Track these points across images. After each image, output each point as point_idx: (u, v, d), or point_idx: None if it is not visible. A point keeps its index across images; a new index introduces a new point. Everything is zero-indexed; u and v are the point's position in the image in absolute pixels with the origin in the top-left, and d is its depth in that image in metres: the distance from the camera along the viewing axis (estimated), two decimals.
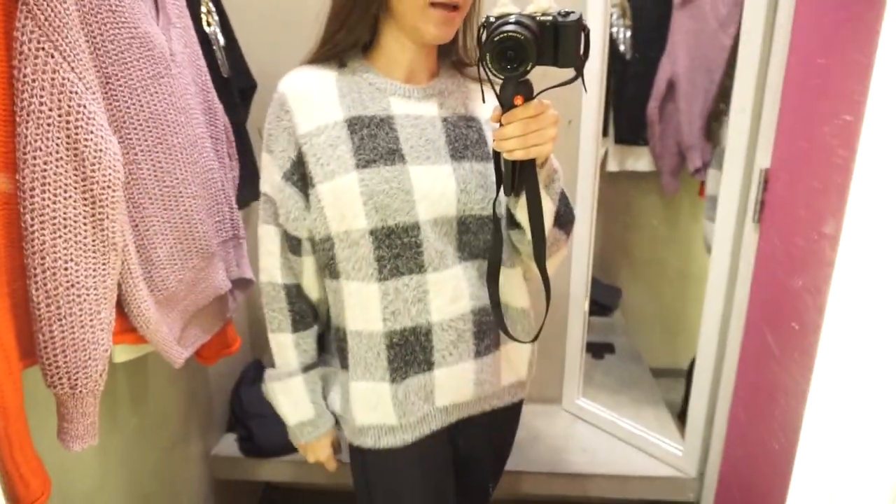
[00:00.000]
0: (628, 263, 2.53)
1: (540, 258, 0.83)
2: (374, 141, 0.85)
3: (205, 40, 1.23)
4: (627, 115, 2.24)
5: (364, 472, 0.99)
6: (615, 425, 1.69)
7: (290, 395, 0.98)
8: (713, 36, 2.09)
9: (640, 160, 2.35)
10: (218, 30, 1.29)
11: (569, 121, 1.61)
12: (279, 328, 0.97)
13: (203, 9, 1.25)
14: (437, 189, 0.86)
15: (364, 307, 0.90)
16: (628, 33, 2.21)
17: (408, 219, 0.86)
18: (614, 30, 2.13)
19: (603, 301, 2.28)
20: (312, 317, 0.98)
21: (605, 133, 2.12)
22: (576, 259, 1.69)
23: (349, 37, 0.87)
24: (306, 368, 0.99)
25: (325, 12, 0.89)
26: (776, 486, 1.13)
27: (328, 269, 0.92)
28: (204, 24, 1.24)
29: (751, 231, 1.27)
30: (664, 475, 1.55)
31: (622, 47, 2.20)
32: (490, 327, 0.94)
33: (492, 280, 0.90)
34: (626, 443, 1.66)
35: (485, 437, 1.07)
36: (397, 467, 0.97)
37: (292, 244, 0.92)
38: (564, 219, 0.91)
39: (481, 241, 0.91)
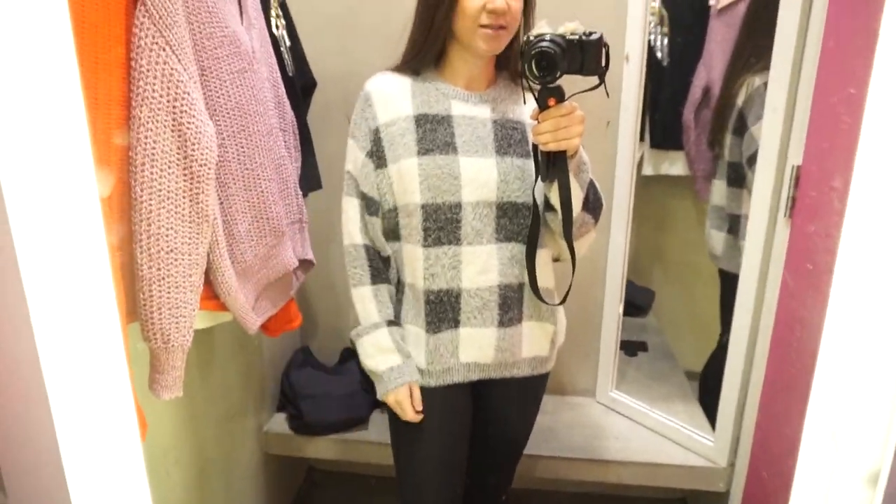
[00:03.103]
0: (661, 266, 2.58)
1: (567, 233, 1.01)
2: (434, 134, 1.07)
3: (273, 41, 1.34)
4: (663, 120, 2.30)
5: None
6: (647, 416, 1.75)
7: (378, 345, 1.12)
8: None
9: (675, 164, 2.40)
10: (284, 32, 1.41)
11: (607, 122, 1.68)
12: (360, 282, 1.14)
13: (273, 13, 1.36)
14: (481, 177, 1.06)
15: (413, 266, 1.10)
16: (665, 40, 2.27)
17: (453, 199, 1.05)
18: (651, 37, 2.20)
19: (637, 302, 2.33)
20: (386, 273, 1.16)
21: (641, 137, 2.18)
22: (611, 260, 1.76)
23: (426, 54, 1.09)
24: (389, 323, 1.13)
25: (406, 36, 1.10)
26: None
27: (392, 233, 1.13)
28: (273, 27, 1.36)
29: (783, 227, 1.32)
30: (695, 465, 1.60)
31: (659, 54, 2.27)
32: (514, 303, 1.11)
33: (530, 254, 1.08)
34: (658, 433, 1.71)
35: (505, 401, 1.22)
36: (423, 405, 1.13)
37: (371, 207, 1.12)
38: (593, 204, 1.09)
39: (516, 226, 1.09)
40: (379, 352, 1.12)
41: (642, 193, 1.74)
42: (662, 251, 2.57)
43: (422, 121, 1.07)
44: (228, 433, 1.54)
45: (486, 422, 1.24)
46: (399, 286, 1.16)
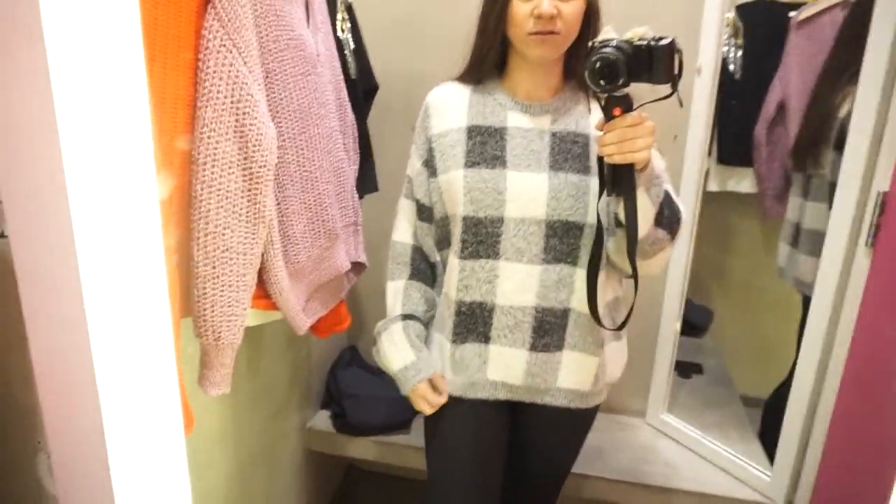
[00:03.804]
0: (722, 286, 2.47)
1: (631, 253, 0.93)
2: (484, 147, 1.04)
3: (338, 44, 1.35)
4: (732, 135, 2.21)
5: (426, 417, 1.15)
6: (699, 443, 1.67)
7: (392, 340, 1.11)
8: None
9: (742, 181, 2.30)
10: (349, 36, 1.41)
11: (674, 136, 1.62)
12: (398, 276, 1.15)
13: (339, 16, 1.37)
14: (528, 192, 1.01)
15: (450, 276, 1.08)
16: (739, 53, 2.18)
17: (495, 213, 1.02)
18: (725, 49, 2.11)
19: (694, 321, 2.24)
20: (427, 275, 1.15)
21: (708, 152, 2.10)
22: (671, 277, 1.70)
23: (485, 64, 1.06)
24: (407, 317, 1.12)
25: (471, 44, 1.07)
26: None
27: (444, 242, 1.12)
28: (338, 29, 1.37)
29: (862, 255, 1.24)
30: (749, 499, 1.52)
31: (731, 66, 2.18)
32: (555, 329, 1.05)
33: (591, 275, 1.01)
34: (710, 462, 1.64)
35: (540, 430, 1.16)
36: (452, 413, 1.11)
37: (424, 213, 1.13)
38: (668, 220, 0.98)
39: (567, 247, 1.02)
40: (392, 348, 1.10)
41: (706, 210, 1.66)
42: (723, 270, 2.47)
43: (473, 132, 1.05)
44: (273, 428, 1.56)
45: (521, 448, 1.19)
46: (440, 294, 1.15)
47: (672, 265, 1.68)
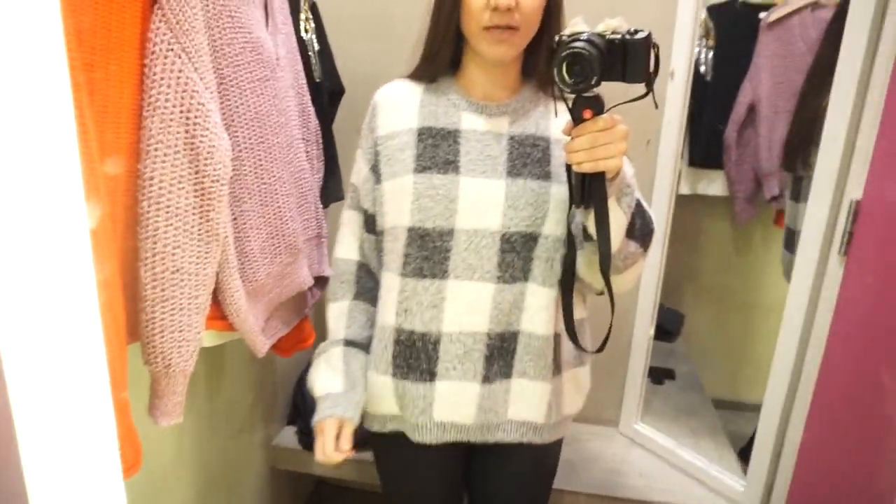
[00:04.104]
0: (693, 289, 2.47)
1: (605, 270, 0.84)
2: (436, 150, 0.93)
3: (301, 46, 1.28)
4: (704, 138, 2.20)
5: (376, 457, 1.08)
6: (673, 453, 1.65)
7: (329, 363, 0.99)
8: (801, 59, 2.03)
9: (713, 184, 2.30)
10: (314, 36, 1.35)
11: (647, 140, 1.59)
12: (342, 297, 1.03)
13: (302, 16, 1.31)
14: (483, 201, 0.91)
15: (386, 298, 0.97)
16: (710, 54, 2.17)
17: (444, 224, 0.91)
18: (695, 50, 2.10)
19: (666, 325, 2.23)
20: (374, 295, 1.03)
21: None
22: (644, 281, 1.67)
23: (437, 60, 0.96)
24: (350, 343, 1.00)
25: (423, 38, 0.98)
26: None
27: (379, 259, 1.01)
28: (302, 30, 1.30)
29: (835, 264, 1.22)
30: None
31: (703, 68, 2.17)
32: (505, 354, 0.94)
33: (565, 294, 0.93)
34: (684, 472, 1.62)
35: (497, 474, 1.05)
36: (403, 456, 1.03)
37: (372, 224, 1.01)
38: (640, 231, 0.91)
39: (525, 262, 0.92)
40: (326, 371, 0.98)
41: (676, 213, 1.64)
42: (694, 273, 2.47)
43: (424, 135, 0.94)
44: (235, 447, 1.49)
45: (479, 498, 1.09)
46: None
47: (645, 269, 1.65)
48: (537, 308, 0.94)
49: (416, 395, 0.95)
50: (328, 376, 0.98)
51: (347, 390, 0.97)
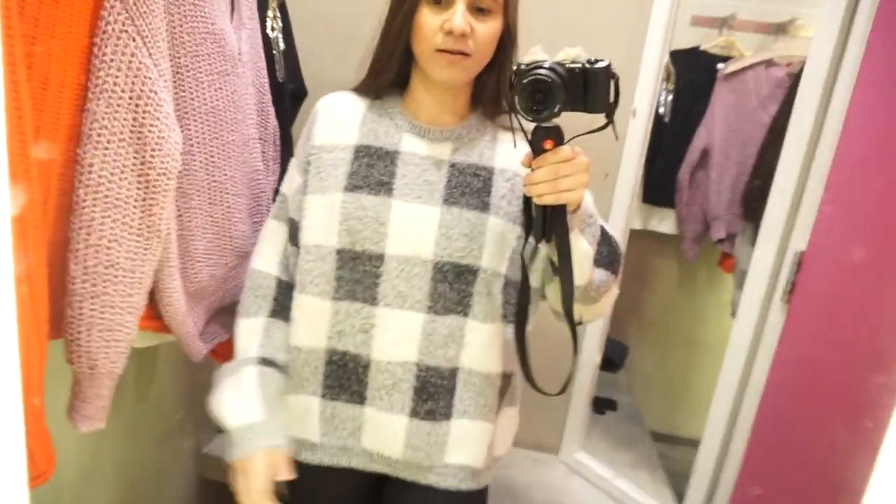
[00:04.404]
0: (638, 323, 2.52)
1: (568, 305, 0.81)
2: (370, 170, 0.89)
3: (266, 43, 1.25)
4: (658, 177, 2.26)
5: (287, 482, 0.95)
6: (611, 484, 1.66)
7: (239, 387, 0.88)
8: (752, 112, 2.12)
9: (663, 222, 2.36)
10: (280, 35, 1.32)
11: (605, 174, 1.61)
12: (256, 313, 0.94)
13: (270, 13, 1.27)
14: (414, 227, 0.87)
15: (312, 322, 0.90)
16: (670, 97, 2.24)
17: (375, 248, 0.87)
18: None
19: (611, 357, 2.25)
20: (288, 314, 0.95)
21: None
22: None
23: (381, 77, 0.92)
24: (265, 362, 0.91)
25: (372, 50, 0.94)
26: None
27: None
28: (269, 28, 1.27)
29: (777, 310, 1.26)
30: None
31: (661, 109, 2.23)
32: (441, 393, 0.90)
33: (519, 332, 0.89)
34: (621, 503, 1.62)
35: None
36: (315, 487, 0.96)
37: (296, 236, 0.93)
38: (608, 258, 0.89)
39: (457, 294, 0.88)
40: (237, 397, 0.88)
41: (628, 247, 1.66)
42: (640, 307, 2.52)
43: (361, 153, 0.89)
44: (161, 454, 1.41)
45: None
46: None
47: None
48: (479, 345, 0.90)
49: (345, 416, 0.91)
50: (242, 403, 0.88)
51: (272, 419, 0.88)
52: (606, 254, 0.88)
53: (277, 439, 0.87)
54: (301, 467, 0.91)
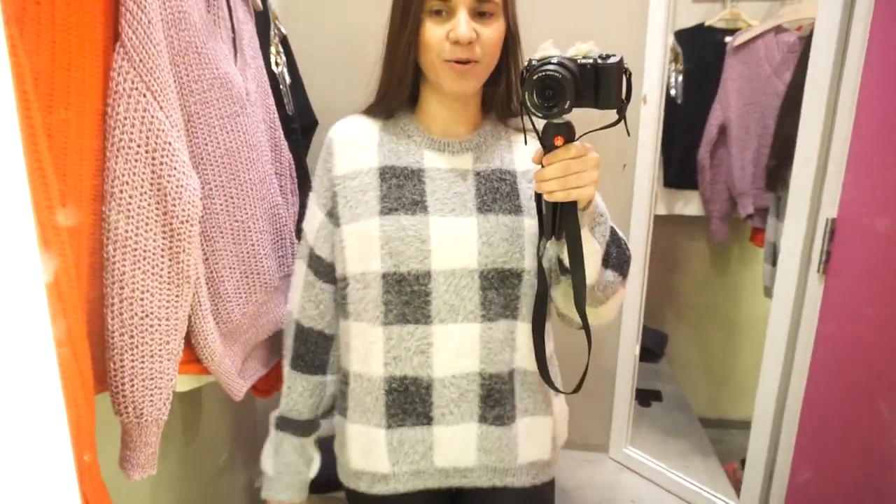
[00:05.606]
0: (674, 309, 2.48)
1: (580, 302, 0.81)
2: (401, 191, 0.89)
3: (272, 78, 1.27)
4: (677, 159, 2.23)
5: None
6: (664, 476, 1.63)
7: (271, 441, 1.03)
8: (766, 81, 2.08)
9: (688, 204, 2.32)
10: (285, 70, 1.34)
11: (623, 165, 1.60)
12: (286, 360, 1.01)
13: (272, 49, 1.30)
14: (456, 240, 0.88)
15: (366, 349, 0.91)
16: (680, 78, 2.21)
17: (420, 267, 0.87)
18: (666, 74, 2.13)
19: (650, 346, 2.22)
20: (311, 364, 0.99)
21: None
22: (627, 302, 1.66)
23: (393, 94, 0.92)
24: (283, 425, 1.01)
25: (377, 73, 0.95)
26: None
27: (341, 308, 0.95)
28: (273, 64, 1.29)
29: (815, 283, 1.23)
30: None
31: (673, 91, 2.21)
32: (506, 396, 0.91)
33: (536, 330, 0.90)
34: (677, 496, 1.59)
35: None
36: None
37: (326, 273, 0.95)
38: (617, 260, 0.88)
39: (505, 298, 0.89)
40: (269, 447, 1.03)
41: (655, 233, 1.65)
42: (674, 293, 2.48)
43: (387, 174, 0.90)
44: (215, 491, 1.44)
45: None
46: (341, 376, 0.99)
47: (627, 291, 1.65)
48: (528, 344, 0.91)
49: (414, 440, 0.92)
50: (266, 454, 1.03)
51: (277, 478, 1.01)
52: (616, 255, 0.88)
53: (281, 494, 1.01)
54: (374, 500, 0.94)
